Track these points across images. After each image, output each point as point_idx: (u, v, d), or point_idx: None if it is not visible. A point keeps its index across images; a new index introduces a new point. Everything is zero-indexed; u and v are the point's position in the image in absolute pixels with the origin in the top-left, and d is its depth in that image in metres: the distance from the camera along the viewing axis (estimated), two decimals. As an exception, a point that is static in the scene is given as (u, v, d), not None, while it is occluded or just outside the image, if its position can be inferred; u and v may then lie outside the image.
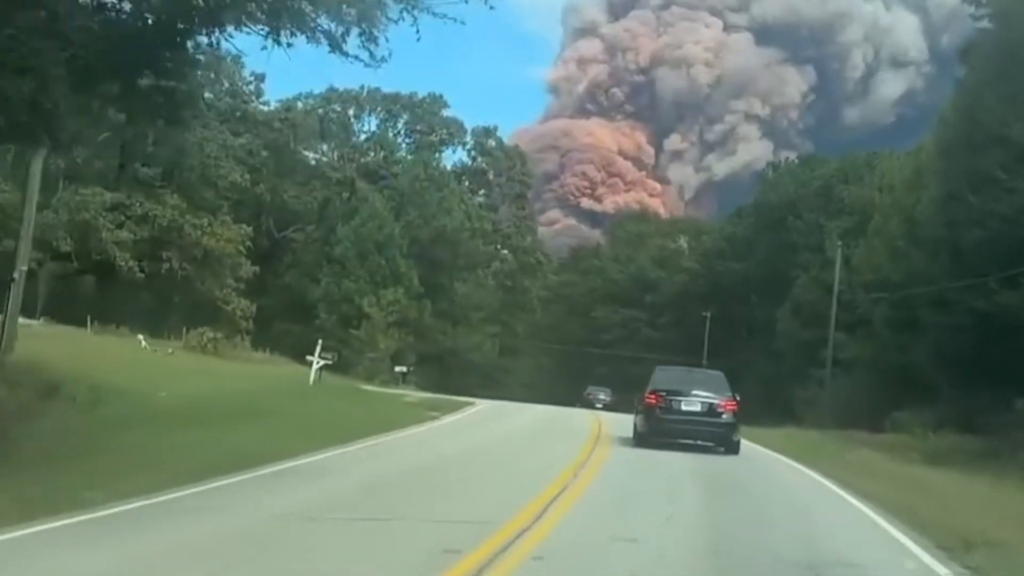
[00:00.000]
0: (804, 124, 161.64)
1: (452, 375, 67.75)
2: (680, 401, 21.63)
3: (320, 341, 29.24)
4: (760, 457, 22.00)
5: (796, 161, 78.12)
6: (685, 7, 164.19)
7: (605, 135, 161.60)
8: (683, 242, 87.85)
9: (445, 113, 69.27)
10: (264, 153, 59.09)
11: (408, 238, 57.76)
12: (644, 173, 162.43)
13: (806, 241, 63.42)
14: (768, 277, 69.85)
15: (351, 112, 69.69)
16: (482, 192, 72.22)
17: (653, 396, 21.82)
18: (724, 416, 21.50)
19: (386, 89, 70.57)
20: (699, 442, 21.40)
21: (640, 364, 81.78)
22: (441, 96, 69.19)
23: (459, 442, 19.24)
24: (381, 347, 52.09)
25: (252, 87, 61.72)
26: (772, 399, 64.99)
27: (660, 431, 21.55)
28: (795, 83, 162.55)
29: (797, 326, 57.17)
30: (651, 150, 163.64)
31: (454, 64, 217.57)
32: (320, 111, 69.44)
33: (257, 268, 54.87)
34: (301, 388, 26.81)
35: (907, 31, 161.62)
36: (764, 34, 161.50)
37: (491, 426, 24.16)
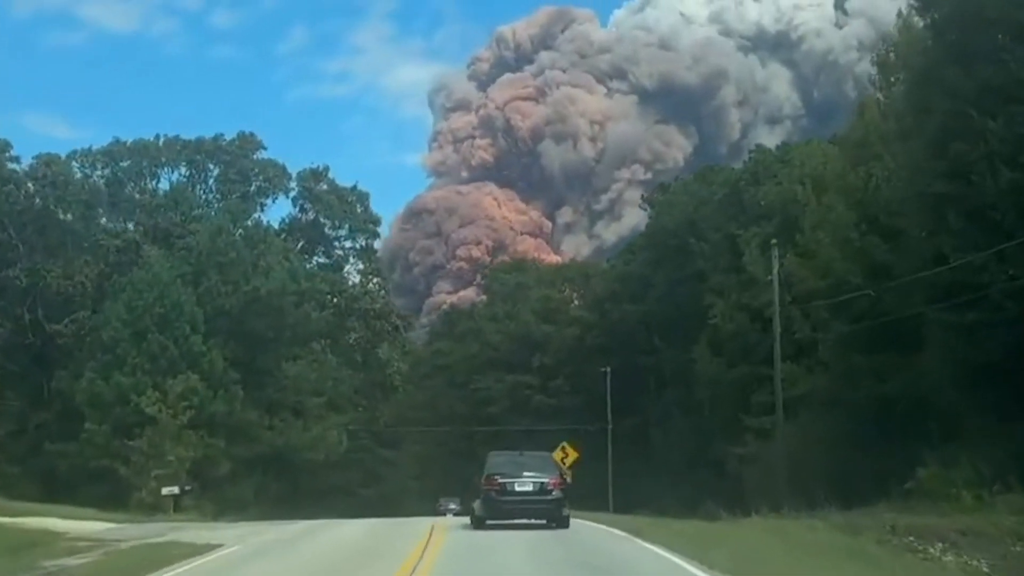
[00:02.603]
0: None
1: (300, 481, 53.45)
2: (514, 483, 22.88)
3: None
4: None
5: (690, 177, 67.15)
6: (558, 70, 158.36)
7: (497, 212, 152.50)
8: (569, 290, 75.77)
9: (260, 156, 55.94)
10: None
11: (208, 308, 43.81)
12: (541, 241, 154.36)
13: (715, 263, 51.68)
14: (673, 315, 58.12)
15: (144, 166, 55.74)
16: (320, 250, 58.70)
17: (489, 481, 23.02)
18: (553, 493, 22.95)
19: (187, 136, 56.95)
20: (532, 520, 22.48)
21: (535, 438, 68.15)
22: (253, 135, 55.85)
23: None
24: (171, 459, 37.69)
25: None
26: (697, 460, 52.76)
27: (497, 513, 22.81)
28: (678, 145, 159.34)
29: (721, 366, 44.88)
30: (549, 224, 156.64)
31: (333, 160, 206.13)
32: (102, 170, 55.25)
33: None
34: None
35: (781, 87, 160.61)
36: (644, 99, 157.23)
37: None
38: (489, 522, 22.25)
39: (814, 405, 35.70)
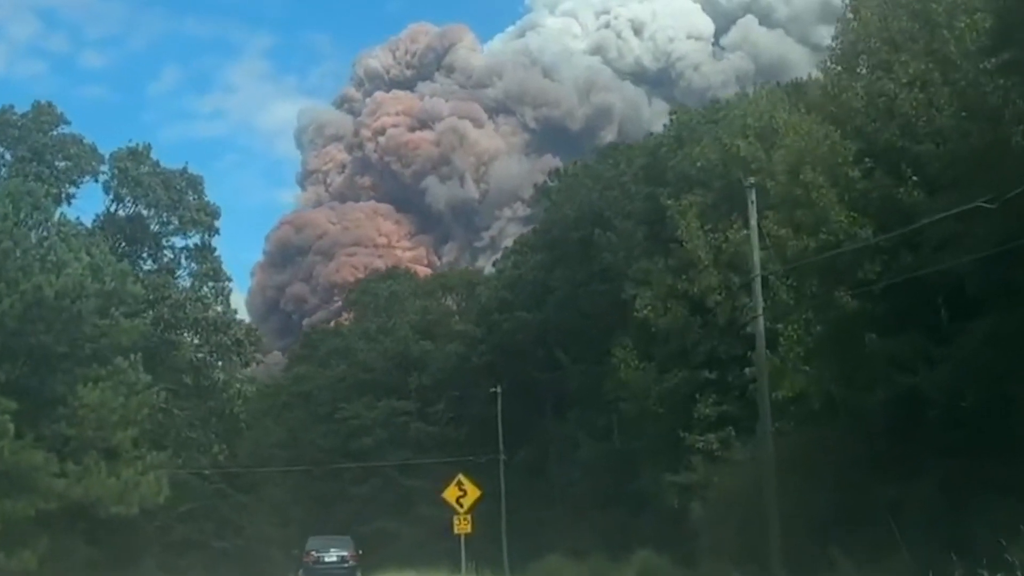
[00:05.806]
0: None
1: (126, 537, 42.01)
2: (324, 556, 38.22)
3: None
4: None
5: (593, 158, 58.51)
6: (440, 97, 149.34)
7: (383, 248, 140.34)
8: (451, 301, 66.05)
9: (62, 131, 44.44)
10: None
11: (-30, 315, 32.28)
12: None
13: (630, 253, 42.69)
14: (578, 323, 49.15)
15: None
16: (146, 251, 47.39)
17: (308, 555, 38.65)
18: (349, 562, 38.49)
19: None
20: None
21: (415, 474, 57.70)
22: (51, 105, 44.16)
23: None
24: None
25: None
26: (614, 494, 43.51)
27: None
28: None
29: (651, 373, 35.49)
30: (438, 260, 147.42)
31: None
32: None
33: None
34: None
35: (661, 121, 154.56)
36: (529, 136, 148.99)
37: None
38: None
39: (795, 412, 26.75)
